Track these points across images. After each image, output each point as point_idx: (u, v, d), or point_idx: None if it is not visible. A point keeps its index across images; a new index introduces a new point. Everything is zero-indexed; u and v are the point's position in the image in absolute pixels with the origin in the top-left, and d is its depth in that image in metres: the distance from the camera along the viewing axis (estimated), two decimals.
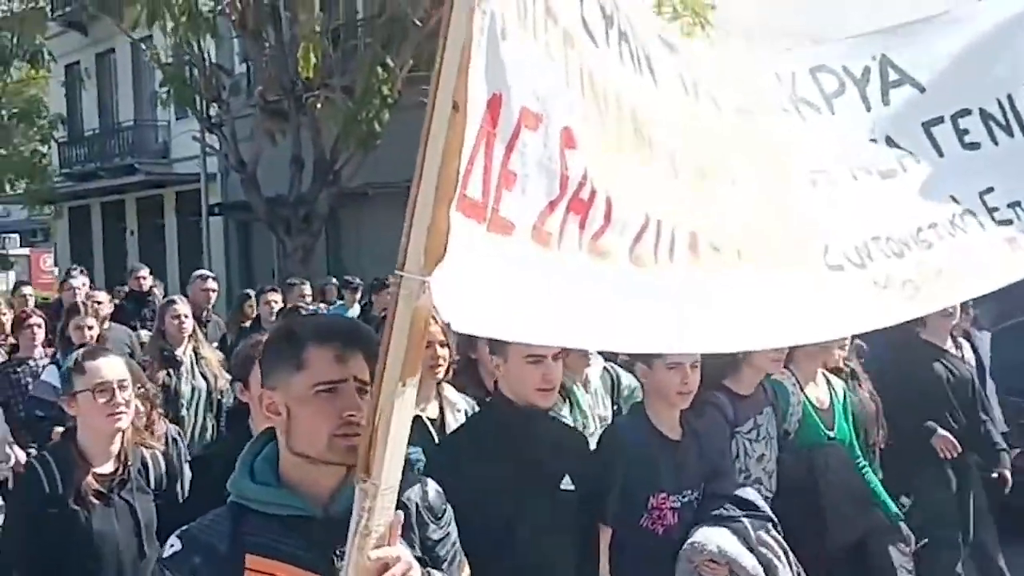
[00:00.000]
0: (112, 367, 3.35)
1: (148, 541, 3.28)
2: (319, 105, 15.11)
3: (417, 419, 3.52)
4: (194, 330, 6.28)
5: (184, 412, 5.89)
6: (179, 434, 4.20)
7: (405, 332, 1.74)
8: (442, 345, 3.71)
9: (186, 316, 6.21)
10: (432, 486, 2.23)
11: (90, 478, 3.24)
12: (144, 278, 10.75)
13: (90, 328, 6.32)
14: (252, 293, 9.43)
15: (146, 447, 3.47)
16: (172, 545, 2.00)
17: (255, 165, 16.23)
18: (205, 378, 6.09)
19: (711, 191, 2.41)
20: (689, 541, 3.44)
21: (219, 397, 6.11)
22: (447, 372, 3.83)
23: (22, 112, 25.59)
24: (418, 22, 14.34)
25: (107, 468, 3.30)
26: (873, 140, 2.81)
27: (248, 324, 8.78)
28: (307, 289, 9.72)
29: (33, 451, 4.94)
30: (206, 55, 16.28)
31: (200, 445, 5.68)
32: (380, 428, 1.76)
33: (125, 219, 25.15)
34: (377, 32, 15.54)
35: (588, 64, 2.08)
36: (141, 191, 23.99)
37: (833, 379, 4.60)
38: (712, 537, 3.44)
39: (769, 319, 2.42)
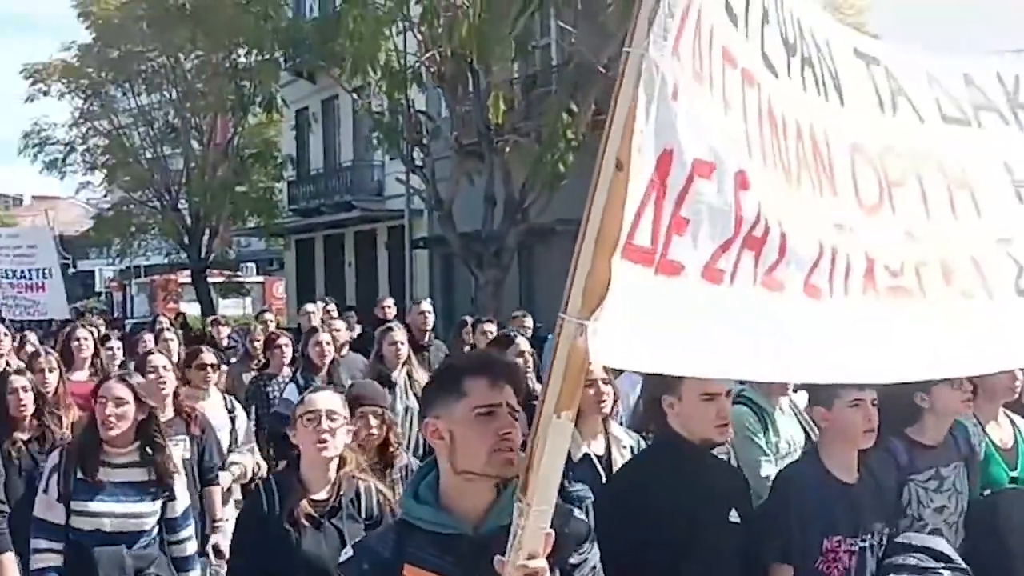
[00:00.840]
0: (325, 398, 3.57)
1: None
2: (507, 149, 16.20)
3: (586, 457, 3.87)
4: (409, 355, 6.72)
5: (398, 429, 5.76)
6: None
7: (562, 369, 1.93)
8: (605, 383, 3.92)
9: (402, 343, 6.69)
10: (577, 515, 2.46)
11: (304, 503, 3.41)
12: (389, 307, 11.82)
13: (328, 344, 7.15)
14: (469, 321, 9.96)
15: (362, 479, 3.59)
16: (347, 552, 2.40)
17: (451, 203, 17.55)
18: (417, 398, 6.24)
19: (894, 213, 2.35)
20: None
21: None
22: (612, 409, 4.04)
23: (258, 154, 28.30)
24: (602, 69, 15.21)
25: (322, 495, 3.46)
26: None
27: (466, 350, 9.16)
28: (528, 321, 10.24)
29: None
30: (410, 104, 17.82)
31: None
32: (536, 453, 1.97)
33: (344, 251, 27.22)
34: (564, 79, 16.52)
35: (767, 99, 2.14)
36: (358, 226, 25.95)
37: (1017, 419, 4.41)
38: None
39: (954, 346, 2.33)
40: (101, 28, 25.83)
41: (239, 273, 37.80)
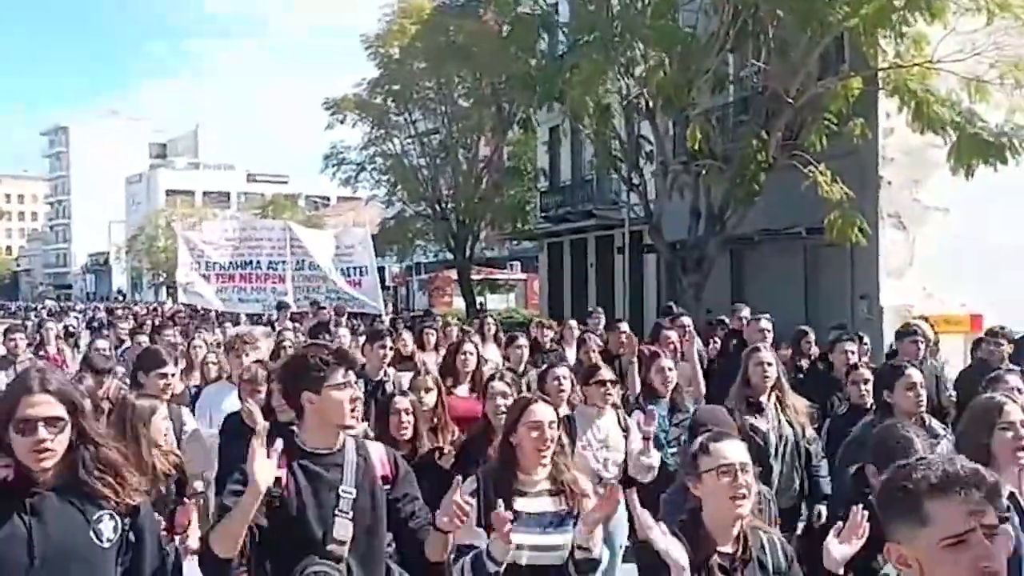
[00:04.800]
0: (735, 449, 3.37)
1: None
2: (703, 172, 18.72)
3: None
4: (777, 378, 6.07)
5: (772, 461, 5.73)
6: None
7: None
8: None
9: (770, 364, 6.03)
10: None
11: (714, 555, 3.25)
12: (746, 318, 10.27)
13: (670, 371, 6.68)
14: (809, 331, 9.21)
15: (763, 531, 3.44)
16: None
17: (659, 217, 20.31)
18: (792, 427, 5.93)
19: None
20: None
21: (807, 447, 5.96)
22: None
23: (515, 168, 32.11)
24: (790, 100, 17.40)
25: (728, 548, 3.29)
26: None
27: (804, 362, 8.71)
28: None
29: None
30: (632, 130, 20.77)
31: (786, 496, 5.71)
32: None
33: (587, 254, 30.49)
34: (756, 109, 18.82)
35: None
36: (598, 232, 29.11)
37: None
38: None
39: None
40: (386, 64, 30.49)
41: (505, 270, 42.01)
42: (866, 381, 6.55)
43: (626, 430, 5.99)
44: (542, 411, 4.00)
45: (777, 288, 20.19)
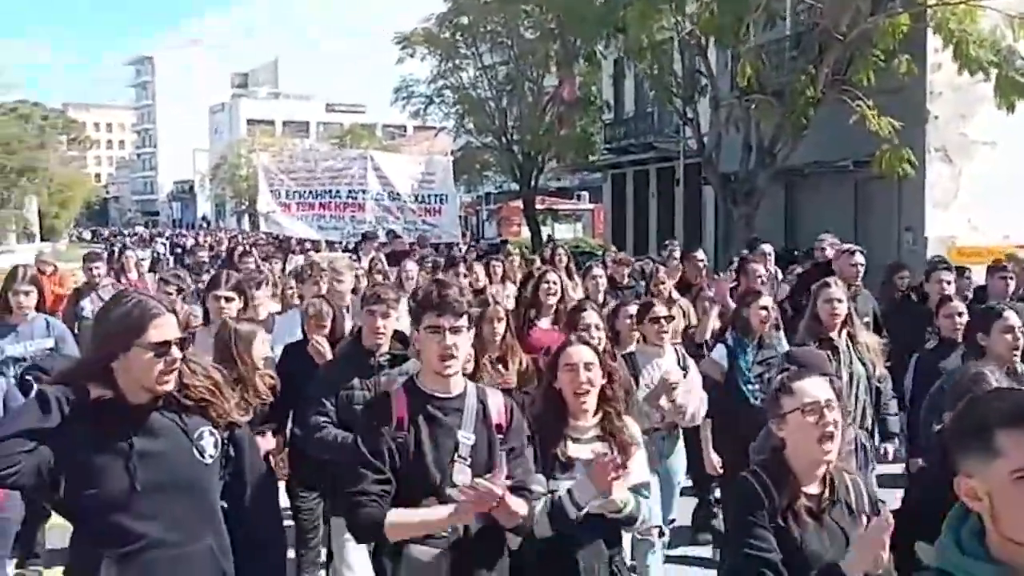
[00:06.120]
0: (820, 386, 3.25)
1: None
2: (754, 106, 19.26)
3: None
4: (848, 314, 5.89)
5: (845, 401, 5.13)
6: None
7: None
8: None
9: (839, 300, 5.84)
10: None
11: (802, 499, 3.16)
12: (824, 249, 9.90)
13: (769, 309, 6.44)
14: (904, 266, 9.00)
15: (848, 472, 3.34)
16: None
17: (711, 151, 20.96)
18: (863, 364, 5.79)
19: None
20: None
21: (877, 385, 5.85)
22: None
23: (584, 99, 32.63)
24: (840, 36, 17.80)
25: (814, 489, 3.20)
26: None
27: (898, 296, 8.60)
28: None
29: None
30: (687, 63, 21.33)
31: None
32: None
33: (648, 185, 31.15)
34: (806, 45, 19.23)
35: None
36: (659, 163, 29.73)
37: None
38: None
39: None
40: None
41: (572, 200, 42.68)
42: (960, 314, 6.33)
43: (685, 368, 5.91)
44: (578, 353, 3.92)
45: (827, 220, 20.66)
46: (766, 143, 19.71)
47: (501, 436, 3.47)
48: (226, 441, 3.21)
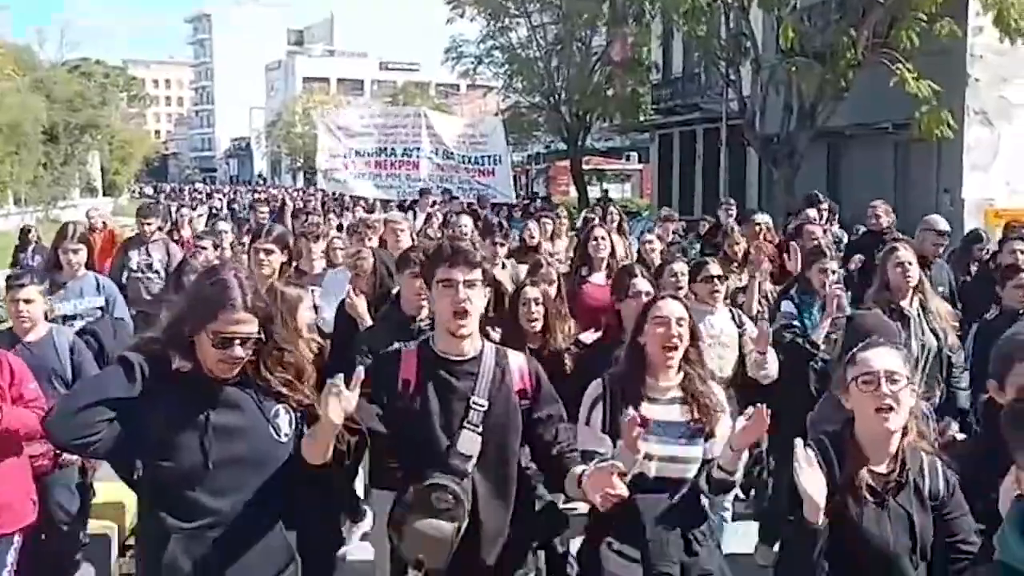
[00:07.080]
0: (883, 356, 3.06)
1: (921, 557, 3.00)
2: (794, 68, 19.51)
3: None
4: (920, 280, 5.56)
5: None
6: None
7: None
8: None
9: (910, 263, 5.52)
10: None
11: (864, 473, 2.98)
12: (880, 216, 9.19)
13: (832, 272, 6.18)
14: (984, 233, 8.54)
15: (926, 452, 3.10)
16: None
17: (752, 113, 21.24)
18: (935, 334, 5.48)
19: None
20: None
21: (949, 355, 5.55)
22: None
23: (633, 59, 32.93)
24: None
25: (882, 468, 3.02)
26: None
27: (974, 265, 8.18)
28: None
29: None
30: (727, 29, 21.58)
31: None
32: None
33: (695, 147, 31.43)
34: (848, 8, 19.40)
35: None
36: (705, 124, 29.99)
37: None
38: None
39: None
40: None
41: (620, 160, 43.01)
42: None
43: (741, 326, 5.70)
44: (670, 307, 3.73)
45: (868, 181, 21.02)
46: (807, 105, 19.97)
47: (526, 401, 3.32)
48: (300, 421, 3.12)
